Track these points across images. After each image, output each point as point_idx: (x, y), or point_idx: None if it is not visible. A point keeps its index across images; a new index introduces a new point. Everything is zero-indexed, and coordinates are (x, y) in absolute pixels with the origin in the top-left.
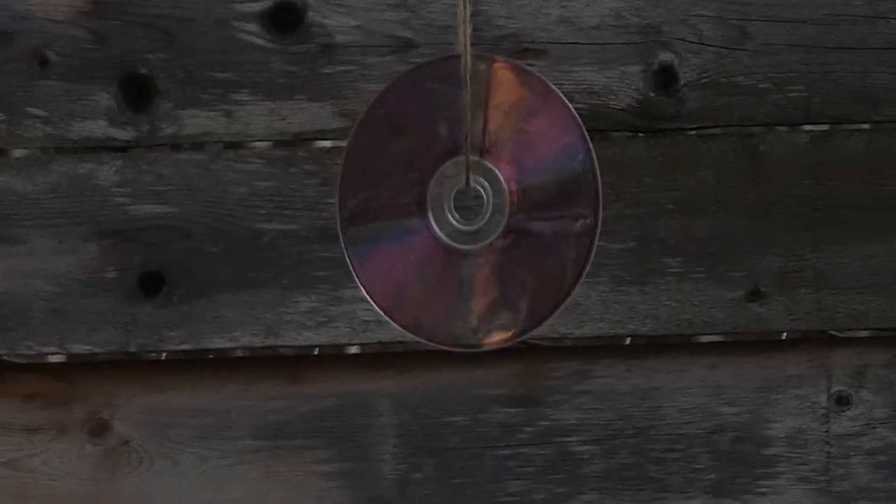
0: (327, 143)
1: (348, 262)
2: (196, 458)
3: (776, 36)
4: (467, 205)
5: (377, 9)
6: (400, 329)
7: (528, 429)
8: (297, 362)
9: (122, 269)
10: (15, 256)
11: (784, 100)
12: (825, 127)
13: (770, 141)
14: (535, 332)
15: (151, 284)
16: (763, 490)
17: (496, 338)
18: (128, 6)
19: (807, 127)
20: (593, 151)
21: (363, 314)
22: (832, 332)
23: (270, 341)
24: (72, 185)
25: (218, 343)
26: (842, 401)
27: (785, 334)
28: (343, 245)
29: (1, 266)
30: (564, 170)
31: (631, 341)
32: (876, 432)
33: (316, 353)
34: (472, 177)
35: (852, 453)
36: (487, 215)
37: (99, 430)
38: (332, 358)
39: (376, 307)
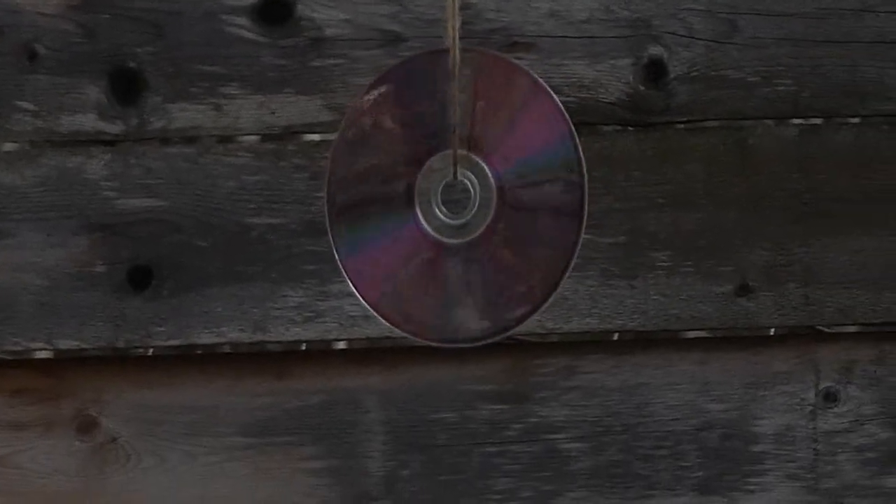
0: (316, 137)
1: (336, 257)
2: (184, 455)
3: (765, 30)
4: (455, 198)
5: (366, 2)
6: (387, 324)
7: (516, 426)
8: (285, 358)
9: (111, 262)
10: (4, 250)
11: (773, 93)
12: (814, 121)
13: (759, 134)
14: (522, 328)
15: (140, 278)
16: (751, 487)
17: (483, 333)
18: (117, 0)
19: (796, 120)
20: (580, 146)
21: (351, 309)
22: (820, 328)
23: (258, 337)
24: (61, 178)
25: (206, 338)
26: (829, 397)
27: (773, 330)
28: (331, 239)
29: None
30: (551, 163)
31: (619, 337)
32: (864, 429)
33: (303, 348)
34: (459, 170)
35: (840, 450)
36: (474, 209)
37: (87, 426)
38: (320, 353)
39: (363, 302)
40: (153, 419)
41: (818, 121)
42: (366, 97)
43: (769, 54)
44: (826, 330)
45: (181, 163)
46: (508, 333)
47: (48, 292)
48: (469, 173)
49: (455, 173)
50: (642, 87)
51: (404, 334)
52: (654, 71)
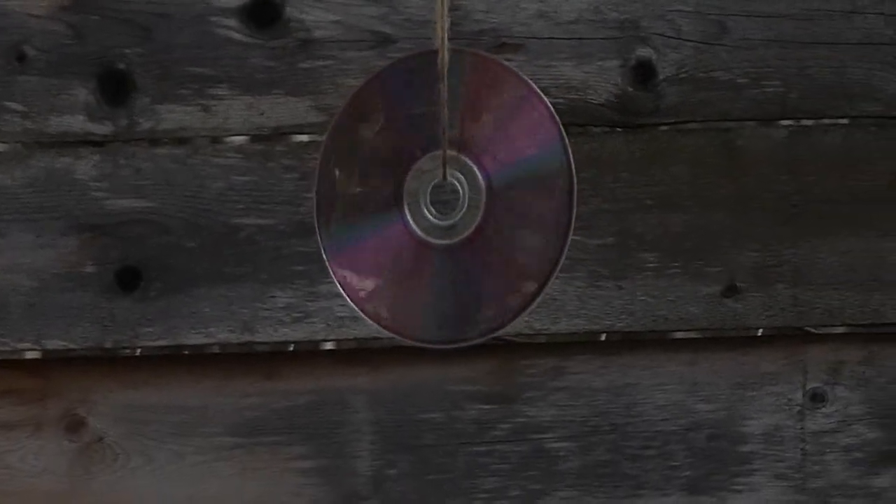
0: (305, 138)
1: (325, 258)
2: (172, 455)
3: (754, 31)
4: (443, 199)
5: (355, 4)
6: (376, 326)
7: (504, 425)
8: (273, 358)
9: (99, 263)
10: None
11: (761, 95)
12: (802, 122)
13: (747, 136)
14: (510, 328)
15: (129, 279)
16: (739, 487)
17: (470, 334)
18: (106, 2)
19: (784, 122)
20: (569, 147)
21: (339, 310)
22: (808, 329)
23: (246, 337)
24: (50, 179)
25: (194, 339)
26: (817, 398)
27: (761, 331)
28: (319, 240)
29: None
30: (540, 165)
31: (607, 337)
32: (851, 429)
33: (292, 349)
34: (448, 171)
35: (828, 450)
36: (463, 210)
37: (75, 426)
38: (308, 354)
39: (351, 303)
40: (141, 419)
41: (806, 122)
42: (355, 98)
43: (757, 56)
44: (814, 331)
45: (170, 164)
46: (496, 334)
47: (37, 293)
48: (458, 174)
49: (444, 174)
50: (631, 89)
51: (392, 335)
52: (643, 72)
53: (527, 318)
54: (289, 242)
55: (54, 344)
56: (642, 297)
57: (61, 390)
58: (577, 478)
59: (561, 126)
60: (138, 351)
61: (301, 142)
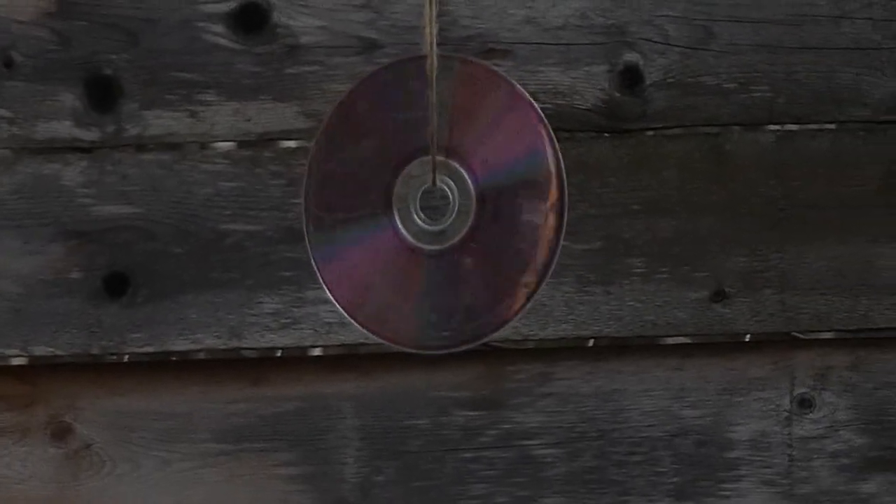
0: (292, 144)
1: (313, 264)
2: (159, 462)
3: (741, 36)
4: (433, 205)
5: (342, 9)
6: (363, 331)
7: (491, 432)
8: (260, 364)
9: (86, 269)
10: None
11: (749, 100)
12: (790, 127)
13: (735, 141)
14: (498, 334)
15: (116, 285)
16: (726, 493)
17: (459, 340)
18: (93, 7)
19: (772, 127)
20: (559, 152)
21: (326, 316)
22: (796, 334)
23: (233, 343)
24: (37, 185)
25: (181, 345)
26: (805, 403)
27: (748, 336)
28: (308, 246)
29: None
30: (531, 170)
31: (594, 343)
32: (839, 435)
33: (279, 355)
34: (438, 177)
35: (815, 456)
36: (453, 215)
37: (61, 433)
38: (295, 360)
39: (340, 309)
40: (128, 426)
41: (794, 127)
42: (343, 104)
43: (745, 61)
44: (802, 336)
45: (157, 170)
46: (485, 340)
47: (24, 299)
48: (448, 180)
49: (434, 180)
50: (618, 94)
51: (380, 340)
52: (630, 77)
53: (514, 324)
54: (276, 248)
55: (41, 350)
56: (630, 303)
57: (48, 397)
58: (564, 484)
59: (551, 131)
60: (125, 357)
61: (288, 148)
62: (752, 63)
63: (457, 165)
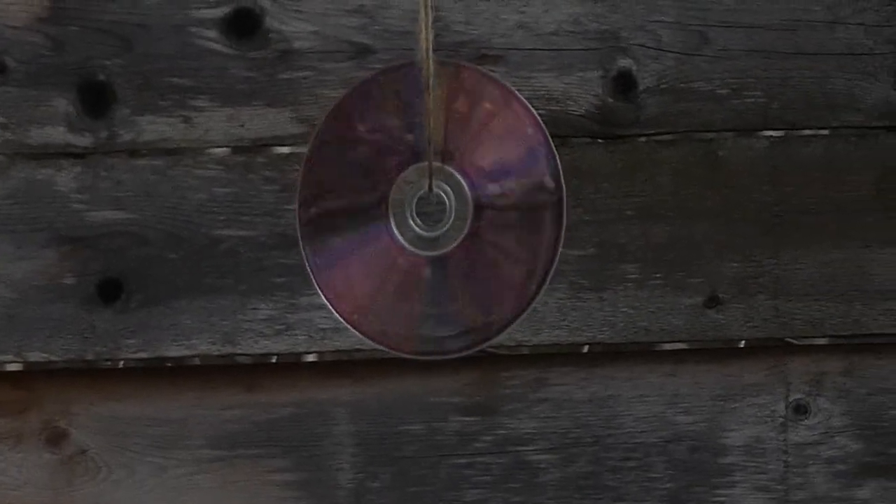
0: (286, 149)
1: (308, 269)
2: (153, 468)
3: (735, 41)
4: (429, 211)
5: (335, 14)
6: (359, 336)
7: (485, 437)
8: (255, 370)
9: (80, 275)
10: None
11: (742, 105)
12: (784, 132)
13: (729, 147)
14: (493, 340)
15: (110, 291)
16: (720, 499)
17: (456, 346)
18: (86, 12)
19: (765, 132)
20: (558, 157)
21: (321, 322)
22: (790, 340)
23: (228, 349)
24: (30, 191)
25: (175, 351)
26: (799, 409)
27: (743, 342)
28: (302, 252)
29: None
30: (528, 175)
31: (588, 349)
32: (834, 441)
33: (273, 361)
34: (434, 183)
35: (810, 462)
36: (450, 221)
37: (56, 438)
38: (290, 366)
39: (337, 315)
40: (123, 431)
41: (788, 132)
42: (336, 109)
43: (739, 66)
44: (796, 342)
45: (150, 175)
46: (482, 347)
47: (17, 305)
48: (444, 185)
49: (430, 185)
50: (611, 100)
51: (376, 346)
52: (624, 83)
53: (509, 330)
54: (270, 254)
55: (35, 356)
56: (624, 309)
57: (42, 402)
58: (559, 490)
59: (549, 137)
60: (120, 363)
61: (282, 153)
62: (746, 69)
63: (453, 171)
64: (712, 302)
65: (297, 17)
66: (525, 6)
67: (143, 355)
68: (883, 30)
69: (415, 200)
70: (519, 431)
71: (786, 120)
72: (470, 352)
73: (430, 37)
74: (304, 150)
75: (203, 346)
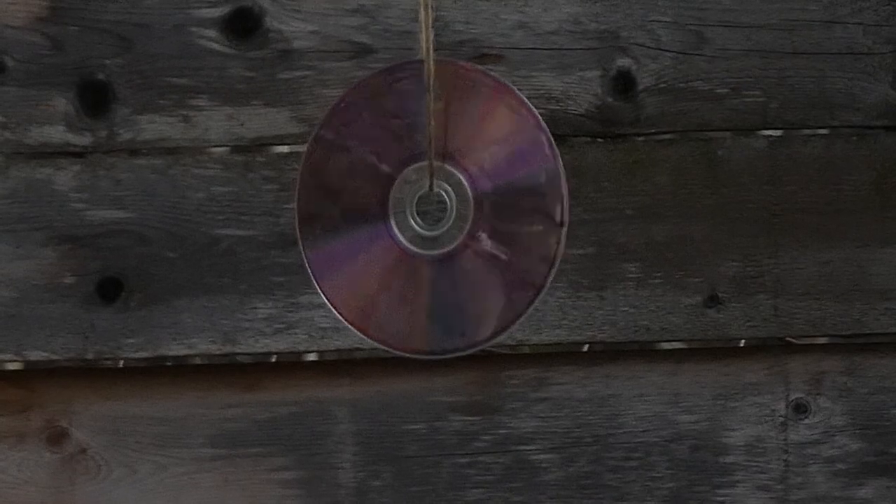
0: (285, 149)
1: (308, 269)
2: (154, 467)
3: (733, 41)
4: (430, 210)
5: (334, 14)
6: (360, 336)
7: (486, 437)
8: (255, 369)
9: (79, 274)
10: None
11: (742, 105)
12: (783, 132)
13: (728, 146)
14: (494, 340)
15: (109, 290)
16: (721, 499)
17: (457, 345)
18: (85, 12)
19: (764, 132)
20: (559, 156)
21: (321, 321)
22: (790, 339)
23: (228, 348)
24: (30, 190)
25: (175, 350)
26: (800, 408)
27: (743, 341)
28: (302, 251)
29: None
30: (529, 175)
31: (589, 348)
32: (834, 440)
33: (273, 360)
34: (435, 182)
35: (811, 461)
36: (451, 220)
37: (57, 437)
38: (290, 365)
39: (337, 314)
40: (123, 430)
41: (787, 132)
42: (336, 108)
43: (738, 66)
44: (796, 341)
45: (150, 174)
46: (483, 346)
47: (17, 304)
48: (445, 185)
49: (431, 184)
50: (611, 99)
51: (378, 345)
52: (623, 82)
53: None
54: (269, 254)
55: (36, 355)
56: (624, 308)
57: (43, 401)
58: (560, 489)
59: (551, 137)
60: (120, 362)
61: (281, 153)
62: (745, 68)
63: (454, 170)
64: (712, 301)
65: (297, 17)
66: (525, 6)
67: (144, 354)
68: (882, 29)
69: (415, 200)
70: (520, 431)
71: (785, 119)
72: (470, 351)
73: (431, 36)
74: (303, 149)
75: (203, 346)
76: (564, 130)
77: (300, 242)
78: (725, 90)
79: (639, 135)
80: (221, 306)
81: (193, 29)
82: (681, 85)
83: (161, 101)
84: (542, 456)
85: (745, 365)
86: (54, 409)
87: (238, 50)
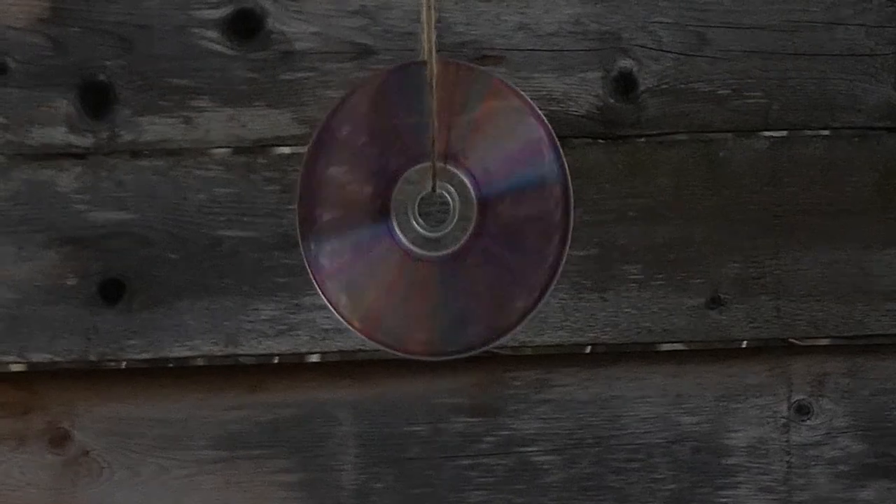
0: (287, 150)
1: (309, 271)
2: (156, 468)
3: (735, 42)
4: (432, 211)
5: (336, 15)
6: (362, 337)
7: (489, 438)
8: (257, 371)
9: (82, 276)
10: None
11: (743, 106)
12: (784, 133)
13: (729, 147)
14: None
15: (112, 291)
16: (723, 500)
17: (460, 346)
18: (87, 13)
19: (766, 133)
20: (563, 157)
21: (323, 322)
22: (792, 341)
23: (230, 350)
24: (32, 192)
25: (178, 351)
26: (802, 410)
27: (745, 342)
28: (303, 253)
29: None
30: (534, 176)
31: (591, 349)
32: (836, 441)
33: (276, 361)
34: (438, 183)
35: (813, 463)
36: (453, 221)
37: (59, 439)
38: (292, 367)
39: (338, 316)
40: (126, 432)
41: (788, 133)
42: (337, 110)
43: (739, 67)
44: (798, 343)
45: (152, 176)
46: (485, 348)
47: (19, 305)
48: (448, 186)
49: (433, 186)
50: (612, 100)
51: (380, 347)
52: (624, 84)
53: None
54: (271, 255)
55: (38, 357)
56: (626, 309)
57: (46, 403)
58: (562, 491)
59: (556, 139)
60: (123, 364)
61: (283, 154)
62: (746, 69)
63: (456, 171)
64: (714, 303)
65: (299, 18)
66: (526, 7)
67: (146, 356)
68: (884, 30)
69: (418, 201)
70: (522, 432)
71: (786, 121)
72: (474, 352)
73: (433, 37)
74: (305, 150)
75: (206, 347)
76: (565, 132)
77: (301, 244)
78: (727, 91)
79: (640, 136)
80: (223, 308)
81: (195, 30)
82: (682, 86)
83: (162, 103)
84: (544, 457)
85: (747, 366)
86: (56, 411)
87: (239, 51)
